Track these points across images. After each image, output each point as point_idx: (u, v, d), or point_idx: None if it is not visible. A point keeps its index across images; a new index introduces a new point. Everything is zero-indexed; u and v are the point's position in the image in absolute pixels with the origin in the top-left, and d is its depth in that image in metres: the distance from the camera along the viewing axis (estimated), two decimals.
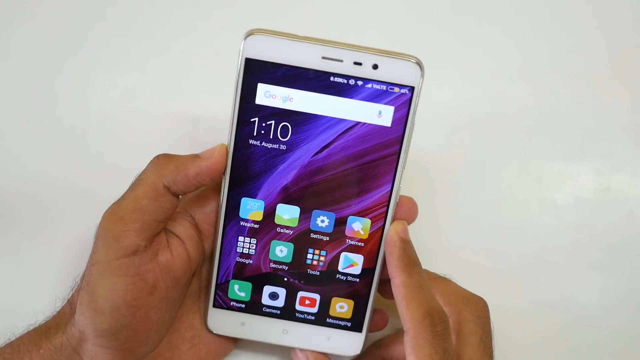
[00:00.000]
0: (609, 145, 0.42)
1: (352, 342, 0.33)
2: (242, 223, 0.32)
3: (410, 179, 0.40)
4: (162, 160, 0.30)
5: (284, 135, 0.30)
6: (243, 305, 0.33)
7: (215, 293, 0.33)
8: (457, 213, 0.40)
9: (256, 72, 0.29)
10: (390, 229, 0.31)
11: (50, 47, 0.40)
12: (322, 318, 0.33)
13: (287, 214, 0.32)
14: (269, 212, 0.32)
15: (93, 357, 0.29)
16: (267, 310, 0.33)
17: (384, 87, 0.30)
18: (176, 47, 0.41)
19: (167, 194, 0.30)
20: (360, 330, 0.33)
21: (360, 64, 0.29)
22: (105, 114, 0.40)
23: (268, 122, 0.30)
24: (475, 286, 0.39)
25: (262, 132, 0.30)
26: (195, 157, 0.30)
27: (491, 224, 0.40)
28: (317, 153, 0.31)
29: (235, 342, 0.35)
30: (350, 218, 0.32)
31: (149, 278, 0.29)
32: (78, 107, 0.40)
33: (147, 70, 0.40)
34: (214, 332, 0.33)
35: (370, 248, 0.32)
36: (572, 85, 0.42)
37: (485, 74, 0.42)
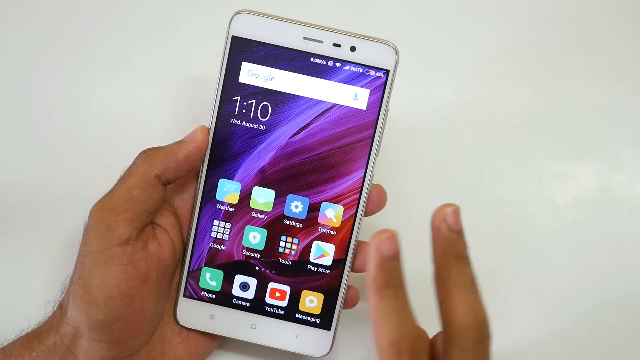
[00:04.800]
0: (609, 145, 0.41)
1: (321, 340, 0.33)
2: (217, 206, 0.32)
3: (410, 179, 0.40)
4: (150, 152, 0.31)
5: (263, 115, 0.31)
6: (213, 296, 0.33)
7: (187, 281, 0.33)
8: None
9: (241, 50, 0.31)
10: (372, 240, 0.25)
11: (49, 47, 0.41)
12: (291, 313, 0.33)
13: (263, 198, 0.32)
14: (245, 195, 0.32)
15: (88, 354, 0.29)
16: (237, 302, 0.33)
17: (361, 70, 0.31)
18: (176, 47, 0.41)
19: (158, 184, 0.30)
20: (329, 328, 0.33)
21: (339, 45, 0.31)
22: (105, 114, 0.40)
23: (249, 101, 0.31)
24: None
25: (243, 111, 0.31)
26: (181, 142, 0.31)
27: (491, 224, 0.40)
28: (294, 135, 0.32)
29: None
30: (323, 204, 0.32)
31: (141, 267, 0.30)
32: (78, 107, 0.40)
33: (147, 70, 0.41)
34: (182, 324, 0.33)
35: (342, 237, 0.32)
36: (572, 85, 0.42)
37: (485, 74, 0.42)
